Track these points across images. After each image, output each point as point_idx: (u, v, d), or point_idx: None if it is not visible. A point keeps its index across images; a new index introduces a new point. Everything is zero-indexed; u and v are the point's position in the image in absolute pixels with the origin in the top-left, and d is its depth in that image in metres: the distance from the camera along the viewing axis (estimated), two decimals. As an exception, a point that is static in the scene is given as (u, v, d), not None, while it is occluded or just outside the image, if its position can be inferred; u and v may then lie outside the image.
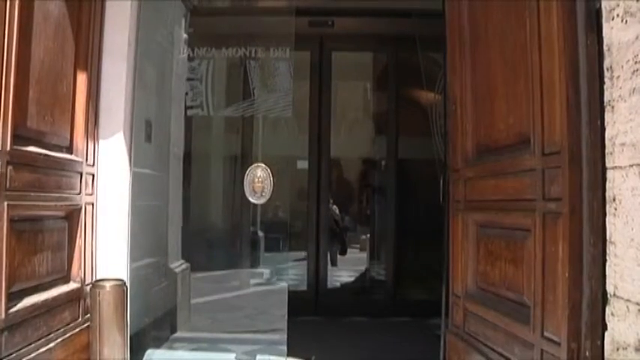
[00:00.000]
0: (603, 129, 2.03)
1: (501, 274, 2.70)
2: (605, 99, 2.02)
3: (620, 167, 1.95)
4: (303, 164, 5.89)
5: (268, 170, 3.89)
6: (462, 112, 3.18)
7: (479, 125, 3.00)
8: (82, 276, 3.15)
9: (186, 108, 4.79)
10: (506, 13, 2.66)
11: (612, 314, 1.96)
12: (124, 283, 3.16)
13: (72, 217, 3.11)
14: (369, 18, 5.46)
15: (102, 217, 3.37)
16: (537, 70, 2.34)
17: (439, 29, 3.37)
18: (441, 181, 3.47)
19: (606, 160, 2.02)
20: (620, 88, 1.95)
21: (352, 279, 6.60)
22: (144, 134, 4.00)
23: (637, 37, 1.89)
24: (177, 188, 4.79)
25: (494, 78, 2.81)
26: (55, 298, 2.86)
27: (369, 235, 6.69)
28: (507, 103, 2.67)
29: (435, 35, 3.52)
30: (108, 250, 3.36)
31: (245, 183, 3.89)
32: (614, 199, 1.97)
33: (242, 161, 5.65)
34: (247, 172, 3.90)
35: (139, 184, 3.67)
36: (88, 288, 3.14)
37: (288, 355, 3.77)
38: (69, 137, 3.08)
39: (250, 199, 3.91)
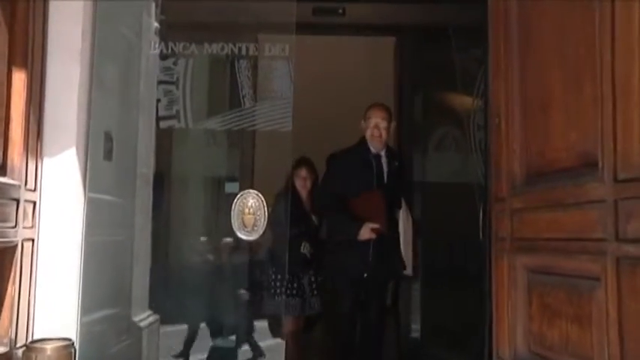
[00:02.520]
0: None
1: (562, 336, 2.60)
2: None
3: None
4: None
5: (262, 198, 3.89)
6: (507, 125, 3.13)
7: (529, 143, 2.95)
8: (13, 336, 3.05)
9: (159, 119, 4.74)
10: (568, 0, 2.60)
11: None
12: (72, 344, 3.06)
13: (3, 257, 3.03)
14: (389, 5, 5.44)
15: (45, 257, 3.30)
16: (609, 72, 2.27)
17: (479, 18, 3.34)
18: (481, 212, 3.45)
19: None
20: None
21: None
22: (103, 151, 3.97)
23: None
24: (146, 219, 4.75)
25: (550, 82, 2.75)
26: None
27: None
28: (567, 115, 2.61)
29: (474, 26, 3.48)
30: (51, 299, 3.28)
31: (232, 214, 3.88)
32: None
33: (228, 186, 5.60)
34: (235, 200, 3.89)
35: (95, 214, 3.63)
36: (20, 351, 3.03)
37: None
38: (1, 154, 3.01)
39: (239, 234, 3.89)
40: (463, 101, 5.61)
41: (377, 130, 4.46)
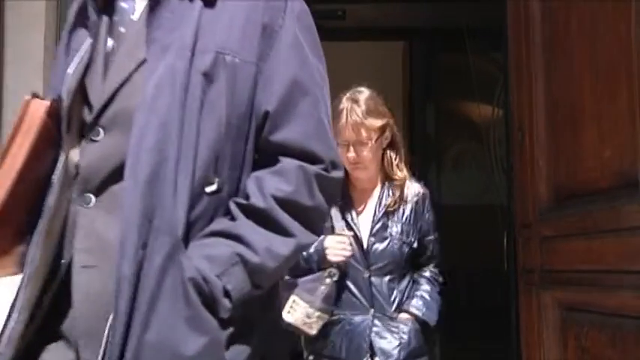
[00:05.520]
0: None
1: (605, 386, 2.56)
2: None
3: None
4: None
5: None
6: (531, 141, 3.12)
7: (558, 161, 2.93)
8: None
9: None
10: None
11: None
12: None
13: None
14: (396, 5, 5.49)
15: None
16: (646, 78, 2.25)
17: (498, 18, 3.35)
18: (505, 240, 3.41)
19: None
20: None
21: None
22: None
23: None
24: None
25: (580, 91, 2.73)
26: None
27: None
28: (600, 129, 2.59)
29: (493, 26, 3.48)
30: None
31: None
32: None
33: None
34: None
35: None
36: None
37: None
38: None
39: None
40: (482, 111, 5.63)
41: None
